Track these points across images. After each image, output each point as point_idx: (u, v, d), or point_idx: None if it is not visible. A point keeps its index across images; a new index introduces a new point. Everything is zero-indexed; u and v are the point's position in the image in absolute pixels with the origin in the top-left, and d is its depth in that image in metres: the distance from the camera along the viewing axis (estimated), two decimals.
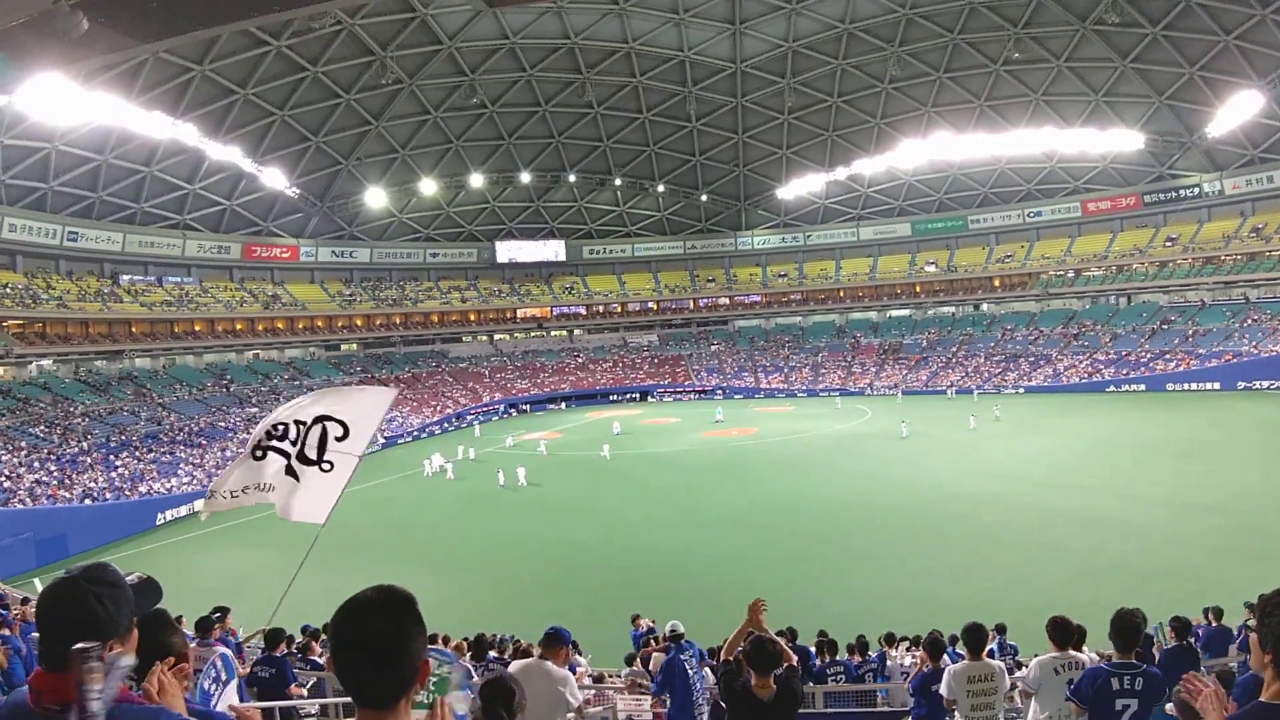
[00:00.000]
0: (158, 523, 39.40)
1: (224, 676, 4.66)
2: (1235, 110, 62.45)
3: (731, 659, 6.23)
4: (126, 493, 41.94)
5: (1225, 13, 58.82)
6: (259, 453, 8.33)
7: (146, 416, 55.22)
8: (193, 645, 8.05)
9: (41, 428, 48.32)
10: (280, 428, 8.35)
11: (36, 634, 2.43)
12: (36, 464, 42.78)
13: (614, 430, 59.23)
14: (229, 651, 5.66)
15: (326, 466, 8.16)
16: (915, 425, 52.34)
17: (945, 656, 8.12)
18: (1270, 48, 58.65)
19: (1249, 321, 67.89)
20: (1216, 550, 24.08)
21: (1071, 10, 64.20)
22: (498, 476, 43.97)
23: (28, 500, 38.06)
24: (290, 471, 8.15)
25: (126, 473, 44.71)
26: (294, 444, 8.19)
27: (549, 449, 54.55)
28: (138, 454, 47.95)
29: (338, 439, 8.35)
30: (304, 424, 8.24)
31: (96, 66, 42.21)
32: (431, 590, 23.01)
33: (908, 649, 14.35)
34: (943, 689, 7.11)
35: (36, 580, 26.56)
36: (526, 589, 25.63)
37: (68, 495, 40.19)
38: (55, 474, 42.23)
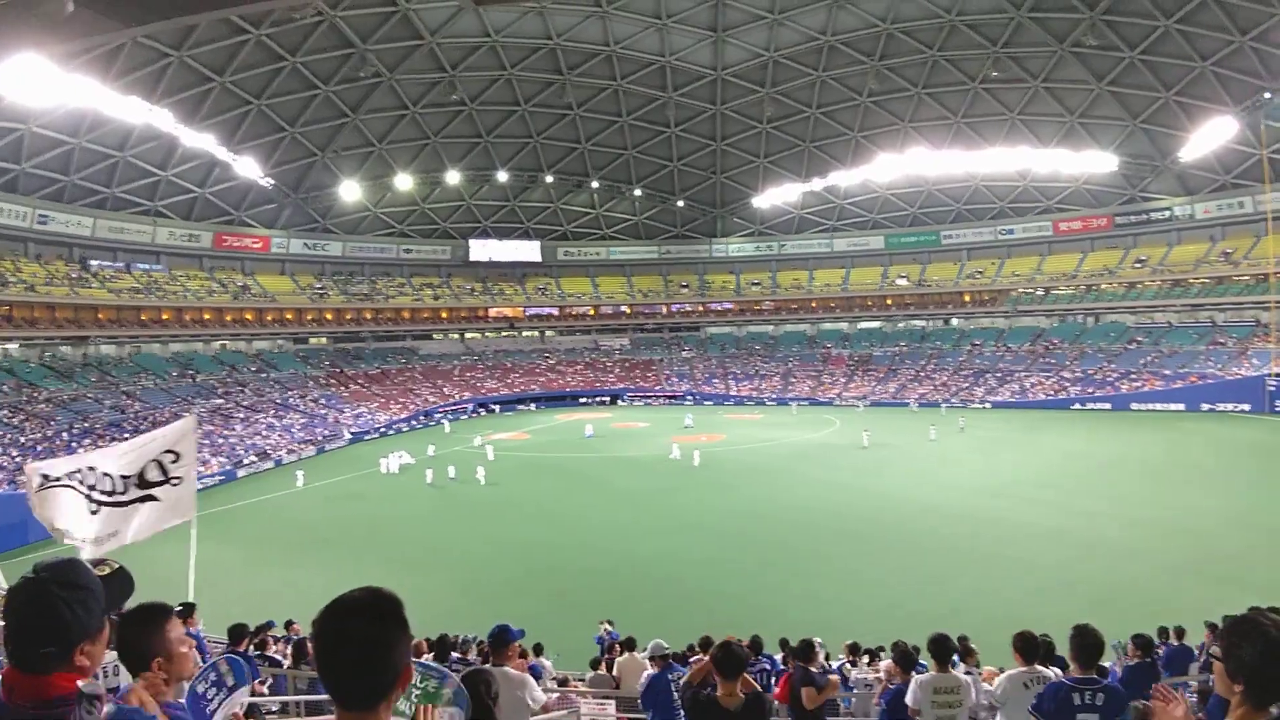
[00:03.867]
0: None
1: (230, 682, 4.53)
2: (1209, 135, 63.13)
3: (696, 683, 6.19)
4: None
5: (1203, 39, 59.76)
6: (93, 507, 9.07)
7: (110, 404, 54.52)
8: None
9: (4, 412, 47.60)
10: (104, 478, 9.08)
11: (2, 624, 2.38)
12: None
13: (586, 433, 59.32)
14: (239, 658, 5.52)
15: (175, 482, 9.12)
16: (877, 435, 52.80)
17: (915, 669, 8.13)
18: (1246, 74, 59.55)
19: (1215, 344, 68.93)
20: (1177, 569, 24.37)
21: (1051, 32, 65.02)
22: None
23: None
24: (133, 502, 9.02)
25: None
26: (125, 485, 9.00)
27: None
28: (100, 442, 47.23)
29: (173, 462, 10.06)
30: (127, 477, 9.05)
31: (76, 49, 41.64)
32: (395, 588, 22.83)
33: (869, 662, 14.36)
34: (908, 698, 7.13)
35: None
36: (493, 589, 25.45)
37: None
38: (17, 459, 41.60)
